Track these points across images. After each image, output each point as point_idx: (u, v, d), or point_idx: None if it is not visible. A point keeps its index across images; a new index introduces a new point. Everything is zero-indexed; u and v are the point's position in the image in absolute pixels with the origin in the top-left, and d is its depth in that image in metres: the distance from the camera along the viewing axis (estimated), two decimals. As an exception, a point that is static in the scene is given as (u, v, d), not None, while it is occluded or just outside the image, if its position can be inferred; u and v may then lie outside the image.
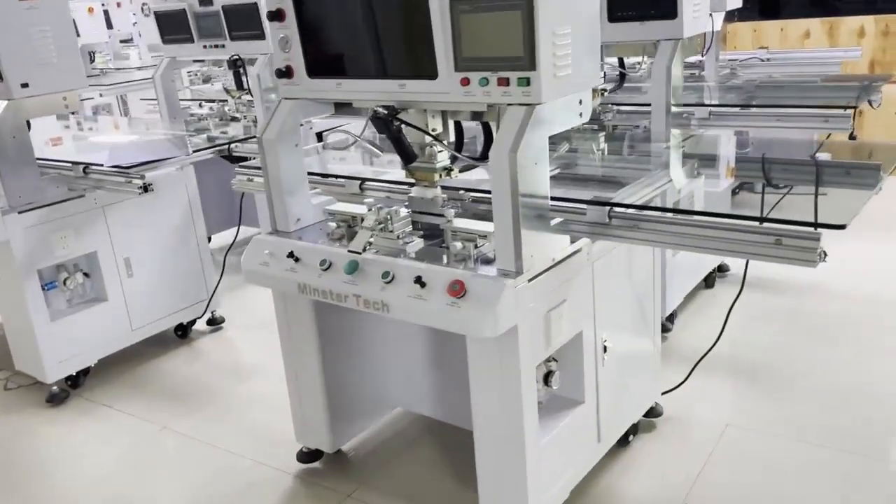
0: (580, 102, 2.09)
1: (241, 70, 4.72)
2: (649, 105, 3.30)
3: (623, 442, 2.72)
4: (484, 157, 2.34)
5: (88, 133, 5.44)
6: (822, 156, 3.19)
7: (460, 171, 2.41)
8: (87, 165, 3.39)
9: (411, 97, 2.17)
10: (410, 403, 2.95)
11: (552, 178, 2.77)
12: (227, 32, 4.66)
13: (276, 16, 2.34)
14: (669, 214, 2.10)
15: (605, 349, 2.44)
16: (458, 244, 2.15)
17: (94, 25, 7.34)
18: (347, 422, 2.78)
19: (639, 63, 4.02)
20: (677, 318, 3.67)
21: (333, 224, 2.44)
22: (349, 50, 2.25)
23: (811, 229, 1.88)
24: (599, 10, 2.13)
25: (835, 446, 2.71)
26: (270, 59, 4.53)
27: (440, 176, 2.37)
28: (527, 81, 1.92)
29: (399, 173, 2.55)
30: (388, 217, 2.25)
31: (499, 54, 1.95)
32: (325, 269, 2.26)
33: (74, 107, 3.35)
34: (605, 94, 3.62)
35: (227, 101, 5.00)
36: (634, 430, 2.77)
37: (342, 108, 2.51)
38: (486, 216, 2.39)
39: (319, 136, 5.04)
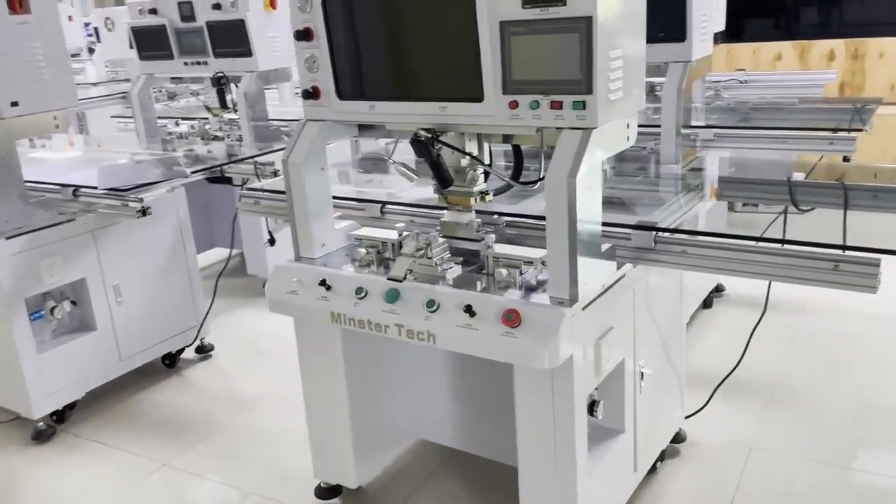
0: (627, 126, 2.06)
1: (226, 88, 4.60)
2: (652, 126, 3.29)
3: (651, 469, 2.67)
4: (514, 180, 2.30)
5: (47, 152, 5.19)
6: (797, 175, 3.24)
7: (494, 195, 2.35)
8: (76, 188, 3.22)
9: (453, 120, 2.10)
10: (431, 433, 2.85)
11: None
12: (210, 49, 4.52)
13: (304, 35, 2.25)
14: (718, 239, 2.07)
15: (642, 376, 2.40)
16: (503, 271, 2.08)
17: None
18: (372, 456, 2.67)
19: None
20: (682, 339, 3.67)
21: (362, 250, 2.35)
22: (385, 71, 2.18)
23: (871, 255, 1.86)
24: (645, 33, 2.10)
25: (859, 467, 2.71)
26: (257, 77, 4.44)
27: (476, 200, 2.30)
28: (582, 105, 1.87)
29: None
30: (428, 243, 2.17)
31: (552, 77, 1.90)
32: (362, 298, 2.17)
33: (64, 127, 3.18)
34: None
35: (207, 118, 4.86)
36: (661, 456, 2.73)
37: (365, 129, 2.43)
38: (517, 241, 2.35)
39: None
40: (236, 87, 4.54)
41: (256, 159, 3.75)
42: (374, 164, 3.90)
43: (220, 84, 4.58)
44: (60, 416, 3.34)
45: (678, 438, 2.84)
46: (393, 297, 2.10)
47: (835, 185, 2.57)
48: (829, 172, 3.48)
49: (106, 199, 3.13)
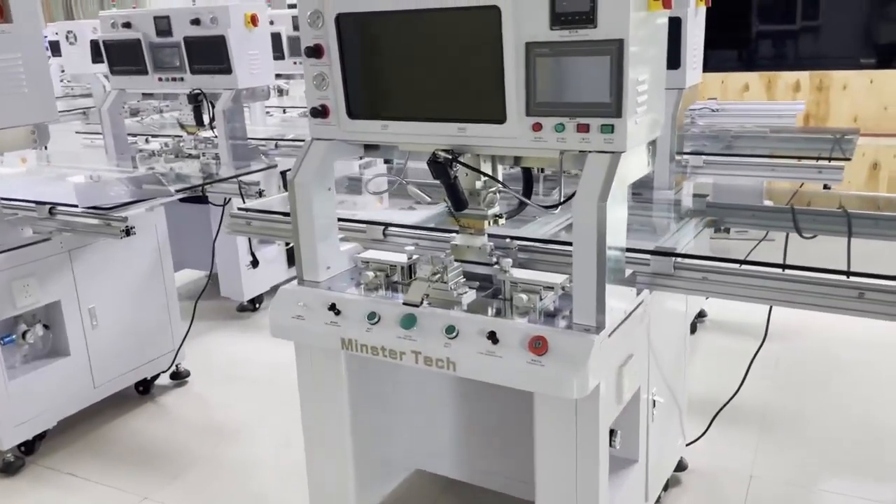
0: (648, 151, 2.04)
1: (203, 105, 4.48)
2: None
3: (656, 500, 2.63)
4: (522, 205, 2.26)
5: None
6: (766, 202, 3.28)
7: (507, 218, 2.30)
8: (53, 206, 3.07)
9: (472, 142, 2.05)
10: (431, 463, 2.76)
11: (570, 225, 2.75)
12: (187, 65, 4.40)
13: (314, 52, 2.17)
14: (739, 266, 2.06)
15: (654, 404, 2.36)
16: (524, 296, 2.03)
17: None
18: (371, 486, 2.57)
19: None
20: (670, 365, 3.66)
21: (370, 273, 2.27)
22: (400, 90, 2.12)
23: (896, 283, 1.87)
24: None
25: (860, 494, 2.72)
26: (237, 95, 4.33)
27: (490, 223, 2.25)
28: (611, 129, 1.84)
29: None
30: (444, 267, 2.11)
31: (579, 100, 1.87)
32: (375, 323, 2.08)
33: (44, 141, 3.03)
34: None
35: (180, 136, 4.72)
36: (665, 485, 2.69)
37: (371, 149, 2.37)
38: (528, 265, 2.30)
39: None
40: (210, 104, 4.43)
41: (241, 178, 3.64)
42: (349, 185, 3.80)
43: (197, 101, 4.46)
44: (30, 447, 3.15)
45: (680, 467, 2.81)
46: (409, 322, 2.03)
47: (834, 213, 2.59)
48: (815, 200, 3.53)
49: (86, 217, 2.99)
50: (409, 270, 2.30)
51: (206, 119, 4.48)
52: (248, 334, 4.43)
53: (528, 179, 2.32)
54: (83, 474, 3.06)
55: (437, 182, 2.14)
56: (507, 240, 2.34)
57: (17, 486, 3.01)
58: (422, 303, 2.05)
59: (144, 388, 3.68)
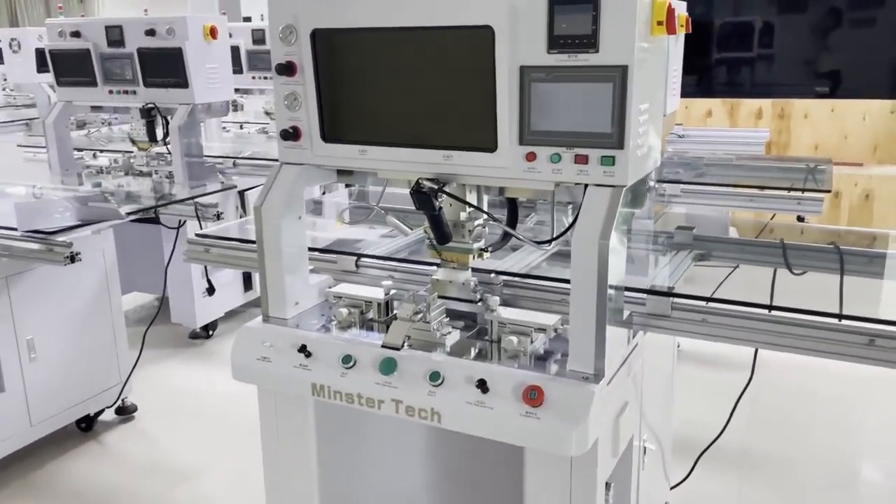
0: (646, 184, 1.91)
1: (156, 120, 4.24)
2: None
3: (640, 547, 2.49)
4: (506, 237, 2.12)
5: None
6: (732, 232, 3.21)
7: (491, 252, 2.15)
8: (-13, 228, 2.81)
9: (459, 170, 1.89)
10: (403, 512, 2.57)
11: (551, 256, 2.61)
12: (140, 78, 4.17)
13: (286, 70, 1.99)
14: (741, 308, 1.93)
15: (644, 451, 2.22)
16: (514, 339, 1.87)
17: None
18: (340, 541, 2.36)
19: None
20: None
21: (344, 310, 2.09)
22: (381, 113, 1.95)
23: (908, 329, 1.76)
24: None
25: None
26: (193, 110, 4.11)
27: (474, 257, 2.09)
28: (612, 161, 1.71)
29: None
30: (427, 305, 1.94)
31: (578, 129, 1.73)
32: (350, 367, 1.90)
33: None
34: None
35: (132, 152, 4.46)
36: (650, 532, 2.55)
37: (344, 175, 2.19)
38: (512, 302, 2.15)
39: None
40: (163, 119, 4.20)
41: (197, 200, 3.42)
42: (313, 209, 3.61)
43: (151, 116, 4.22)
44: (-44, 493, 2.87)
45: (664, 511, 2.68)
46: (389, 367, 1.85)
47: (824, 249, 2.50)
48: (783, 232, 3.47)
49: (26, 242, 2.74)
50: (386, 307, 2.12)
51: (159, 134, 4.26)
52: (200, 364, 4.18)
53: (514, 210, 2.17)
54: (16, 524, 2.79)
55: (412, 209, 1.99)
56: (492, 275, 2.19)
57: (-60, 538, 2.73)
58: (403, 346, 1.87)
59: (87, 426, 3.41)
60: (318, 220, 3.90)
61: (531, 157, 1.78)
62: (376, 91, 1.93)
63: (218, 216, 3.32)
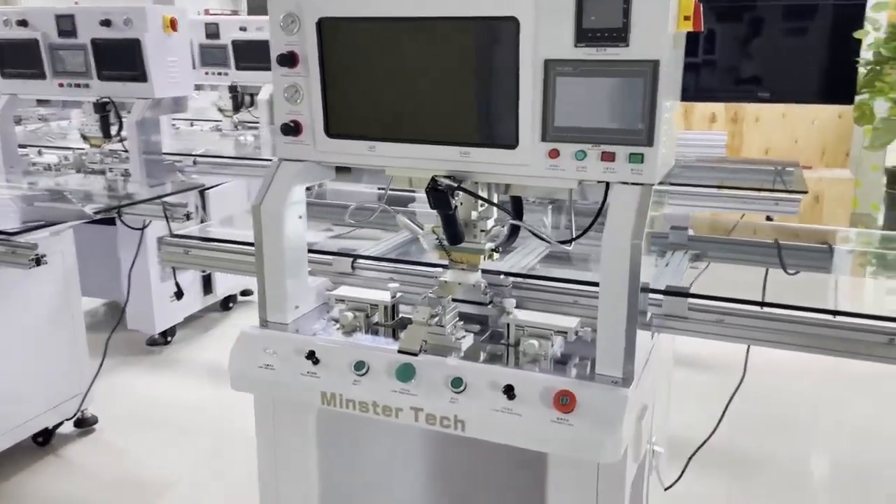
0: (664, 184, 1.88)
1: (111, 115, 4.03)
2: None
3: (639, 551, 2.46)
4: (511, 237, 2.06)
5: None
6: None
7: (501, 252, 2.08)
8: (-59, 229, 2.59)
9: (477, 168, 1.81)
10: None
11: (545, 258, 2.56)
12: (94, 70, 3.95)
13: (288, 60, 1.88)
14: (761, 309, 1.91)
15: (653, 454, 2.19)
16: (535, 342, 1.81)
17: None
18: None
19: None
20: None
21: (349, 314, 1.98)
22: (392, 107, 1.86)
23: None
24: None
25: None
26: (153, 105, 3.92)
27: (485, 258, 2.02)
28: (640, 158, 1.66)
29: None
30: (442, 309, 1.86)
31: (605, 125, 1.68)
32: (363, 374, 1.80)
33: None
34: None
35: (83, 149, 4.22)
36: (649, 537, 2.53)
37: (343, 172, 2.09)
38: (521, 304, 2.08)
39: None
40: (118, 114, 4.00)
41: (166, 200, 3.24)
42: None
43: (105, 111, 4.01)
44: None
45: (660, 514, 2.65)
46: (407, 374, 1.76)
47: (817, 249, 2.53)
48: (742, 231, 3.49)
49: (-15, 243, 2.53)
50: (393, 310, 2.03)
51: (114, 130, 4.05)
52: (161, 372, 3.98)
53: (519, 208, 2.12)
54: (-26, 549, 2.58)
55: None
56: (501, 276, 2.12)
57: None
58: (420, 350, 1.78)
59: (44, 440, 3.19)
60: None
61: (554, 154, 1.72)
62: (388, 84, 1.84)
63: (188, 216, 3.16)
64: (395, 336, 1.98)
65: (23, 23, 3.99)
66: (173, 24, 3.92)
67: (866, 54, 6.07)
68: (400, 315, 2.05)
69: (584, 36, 1.64)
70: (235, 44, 5.67)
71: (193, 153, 4.32)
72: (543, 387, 1.66)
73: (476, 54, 1.74)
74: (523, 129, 1.73)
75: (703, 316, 1.95)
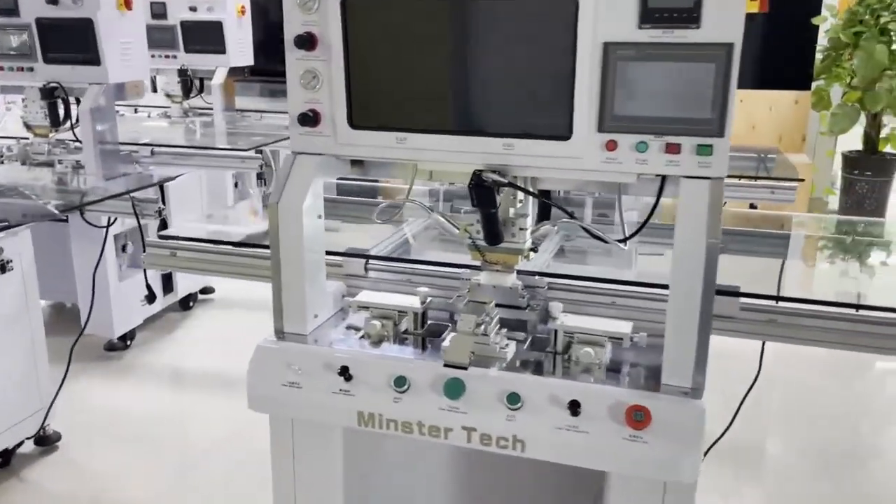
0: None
1: (60, 102, 3.70)
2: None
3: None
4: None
5: None
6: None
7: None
8: None
9: (521, 161, 1.65)
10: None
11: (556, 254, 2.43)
12: (39, 53, 3.62)
13: (305, 42, 1.68)
14: (816, 307, 1.82)
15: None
16: (590, 350, 1.67)
17: None
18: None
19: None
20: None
21: (377, 323, 1.81)
22: (427, 95, 1.68)
23: None
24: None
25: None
26: (108, 91, 3.61)
27: (523, 258, 1.86)
28: (709, 150, 1.53)
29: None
30: (487, 316, 1.70)
31: (671, 114, 1.54)
32: (403, 391, 1.63)
33: None
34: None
35: (27, 138, 3.87)
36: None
37: (358, 165, 1.90)
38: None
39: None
40: (66, 101, 3.68)
41: (135, 195, 2.96)
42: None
43: (53, 97, 3.68)
44: None
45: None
46: (457, 390, 1.59)
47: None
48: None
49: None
50: (423, 318, 1.86)
51: (63, 118, 3.72)
52: (122, 379, 3.70)
53: (547, 204, 1.98)
54: (-66, 592, 2.30)
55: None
56: (536, 276, 1.97)
57: None
58: (470, 363, 1.62)
59: (4, 461, 2.89)
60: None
61: (611, 145, 1.58)
62: (423, 68, 1.66)
63: (160, 213, 2.90)
64: (424, 347, 1.81)
65: (-44, 0, 3.61)
66: (127, 3, 3.62)
67: (823, 41, 6.15)
68: (429, 321, 1.88)
69: (649, 16, 1.49)
70: (184, 25, 5.33)
71: (152, 143, 4.00)
72: (613, 401, 1.52)
73: (526, 35, 1.58)
74: (578, 119, 1.57)
75: (755, 316, 1.85)
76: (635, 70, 1.53)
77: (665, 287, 1.89)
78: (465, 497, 2.18)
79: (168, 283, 4.27)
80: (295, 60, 1.72)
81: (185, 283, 4.41)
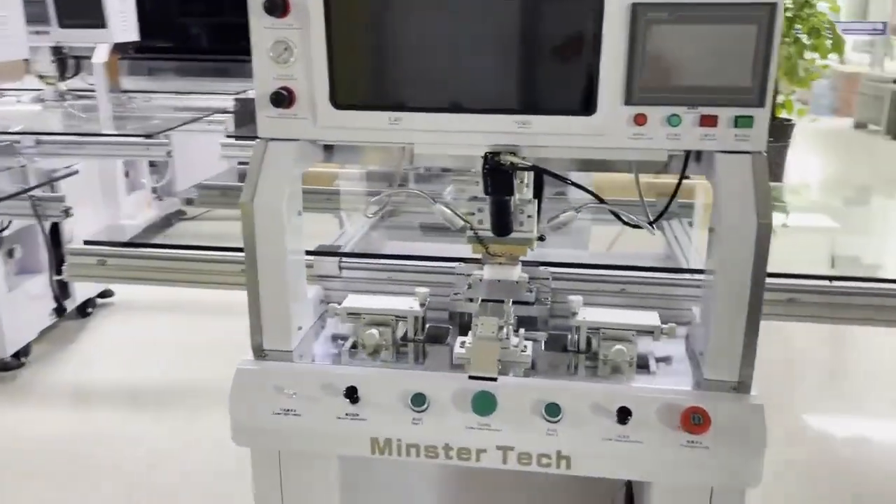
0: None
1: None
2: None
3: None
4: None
5: None
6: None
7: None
8: None
9: (537, 141, 1.46)
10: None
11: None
12: None
13: (277, 7, 1.41)
14: (837, 283, 1.75)
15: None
16: (622, 347, 1.51)
17: None
18: None
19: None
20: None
21: (374, 331, 1.57)
22: (426, 68, 1.45)
23: None
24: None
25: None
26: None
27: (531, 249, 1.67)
28: (749, 121, 1.40)
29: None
30: (506, 317, 1.50)
31: (706, 83, 1.39)
32: (422, 410, 1.41)
33: None
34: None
35: None
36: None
37: (330, 151, 1.66)
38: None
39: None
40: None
41: (33, 193, 2.54)
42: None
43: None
44: None
45: None
46: (488, 405, 1.39)
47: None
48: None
49: None
50: (423, 323, 1.64)
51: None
52: (19, 402, 3.24)
53: (540, 185, 1.80)
54: None
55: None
56: (541, 268, 1.79)
57: None
58: (499, 374, 1.43)
59: None
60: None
61: (641, 119, 1.42)
62: (421, 37, 1.43)
63: (67, 212, 2.50)
64: (425, 355, 1.60)
65: None
66: (-3, -30, 3.13)
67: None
68: (428, 326, 1.67)
69: (684, -26, 1.33)
70: (58, -4, 4.73)
71: (37, 132, 3.49)
72: (659, 405, 1.37)
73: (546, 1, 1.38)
74: (603, 91, 1.40)
75: (774, 296, 1.75)
76: (667, 34, 1.37)
77: (677, 270, 1.78)
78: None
79: (63, 288, 3.79)
80: (262, 29, 1.45)
81: (83, 288, 3.94)
